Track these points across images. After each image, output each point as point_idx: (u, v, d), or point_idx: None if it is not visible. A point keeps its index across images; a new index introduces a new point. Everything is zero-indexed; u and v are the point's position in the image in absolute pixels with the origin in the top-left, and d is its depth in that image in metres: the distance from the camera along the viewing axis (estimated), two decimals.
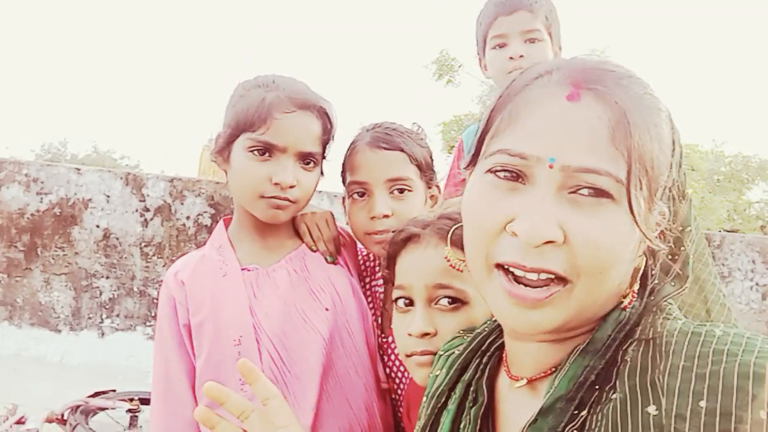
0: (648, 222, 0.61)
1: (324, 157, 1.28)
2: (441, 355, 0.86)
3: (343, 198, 1.37)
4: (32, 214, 4.66)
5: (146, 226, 4.60)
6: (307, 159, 1.21)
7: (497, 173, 0.62)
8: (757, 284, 4.40)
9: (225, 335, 1.16)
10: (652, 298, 0.66)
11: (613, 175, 0.57)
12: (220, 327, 1.17)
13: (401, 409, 1.23)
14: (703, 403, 0.52)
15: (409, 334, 0.98)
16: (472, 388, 0.74)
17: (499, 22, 1.67)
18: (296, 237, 1.31)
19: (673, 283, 0.67)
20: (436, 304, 0.99)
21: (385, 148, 1.25)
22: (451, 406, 0.75)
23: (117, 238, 4.60)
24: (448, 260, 0.91)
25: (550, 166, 0.58)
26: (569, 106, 0.59)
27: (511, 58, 1.64)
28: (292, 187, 1.18)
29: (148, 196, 4.61)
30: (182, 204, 4.59)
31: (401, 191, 1.26)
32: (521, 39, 1.65)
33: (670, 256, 0.68)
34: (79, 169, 4.69)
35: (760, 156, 18.88)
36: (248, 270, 1.23)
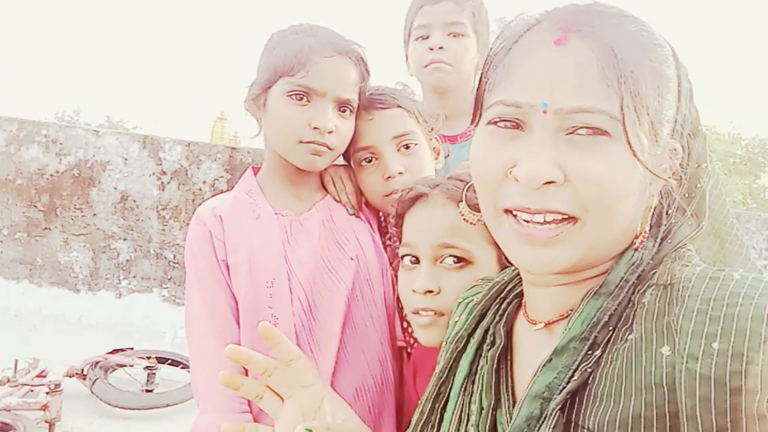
0: (654, 156, 0.61)
1: (359, 107, 1.26)
2: (460, 303, 0.87)
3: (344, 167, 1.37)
4: (51, 175, 4.72)
5: (163, 190, 4.64)
6: (343, 106, 1.20)
7: (497, 123, 0.64)
8: None
9: (258, 277, 1.16)
10: (669, 240, 0.66)
11: (607, 111, 0.58)
12: (254, 268, 1.17)
13: (409, 371, 1.23)
14: (715, 345, 0.53)
15: (414, 291, 1.00)
16: (490, 333, 0.75)
17: (424, 12, 1.60)
18: (323, 190, 1.31)
19: (690, 222, 0.67)
20: (441, 262, 1.00)
21: (383, 108, 1.26)
22: (470, 349, 0.76)
23: (134, 201, 4.65)
24: (463, 215, 0.93)
25: (544, 111, 0.59)
26: (557, 51, 0.60)
27: (430, 48, 1.57)
28: (330, 132, 1.17)
29: (164, 159, 4.64)
30: (198, 168, 4.62)
31: (407, 147, 1.26)
32: (444, 31, 1.58)
33: (686, 194, 0.68)
34: (97, 131, 4.73)
35: None
36: (281, 215, 1.23)
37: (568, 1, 0.64)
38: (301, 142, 1.17)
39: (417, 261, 1.03)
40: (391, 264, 1.31)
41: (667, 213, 0.67)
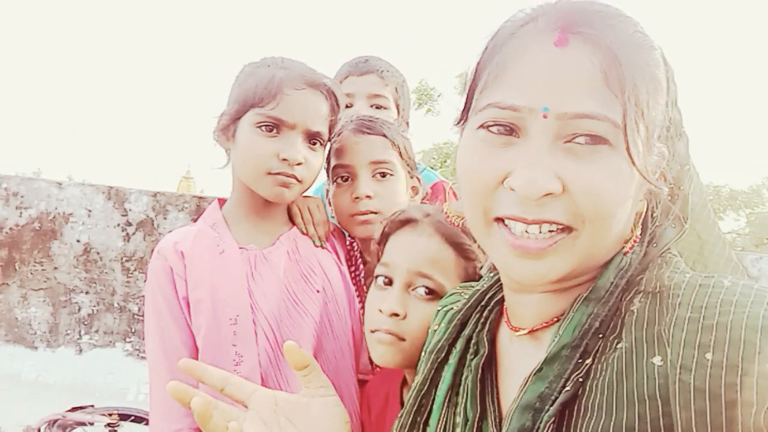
0: (647, 163, 0.59)
1: (329, 139, 1.28)
2: (439, 311, 0.86)
3: (326, 190, 1.41)
4: (11, 229, 4.58)
5: (128, 241, 4.55)
6: (313, 139, 1.21)
7: (490, 128, 0.60)
8: None
9: (222, 313, 1.14)
10: (655, 244, 0.64)
11: (611, 119, 0.55)
12: (217, 305, 1.14)
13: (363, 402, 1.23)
14: (709, 356, 0.51)
15: (380, 310, 1.01)
16: (473, 341, 0.73)
17: (350, 81, 1.69)
18: (290, 223, 1.31)
19: (673, 225, 0.66)
20: (413, 290, 1.01)
21: (369, 133, 1.31)
22: (453, 360, 0.74)
23: (98, 253, 4.54)
24: (447, 214, 0.93)
25: (544, 116, 0.56)
26: (558, 53, 0.57)
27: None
28: (299, 164, 1.18)
29: (130, 210, 4.57)
30: (165, 218, 4.56)
31: (383, 175, 1.30)
32: (367, 102, 1.67)
33: (669, 197, 0.66)
34: (60, 183, 4.64)
35: (730, 185, 19.31)
36: (246, 249, 1.21)
37: None
38: (269, 173, 1.17)
39: (390, 283, 1.03)
40: (359, 294, 1.31)
41: (652, 216, 0.65)
